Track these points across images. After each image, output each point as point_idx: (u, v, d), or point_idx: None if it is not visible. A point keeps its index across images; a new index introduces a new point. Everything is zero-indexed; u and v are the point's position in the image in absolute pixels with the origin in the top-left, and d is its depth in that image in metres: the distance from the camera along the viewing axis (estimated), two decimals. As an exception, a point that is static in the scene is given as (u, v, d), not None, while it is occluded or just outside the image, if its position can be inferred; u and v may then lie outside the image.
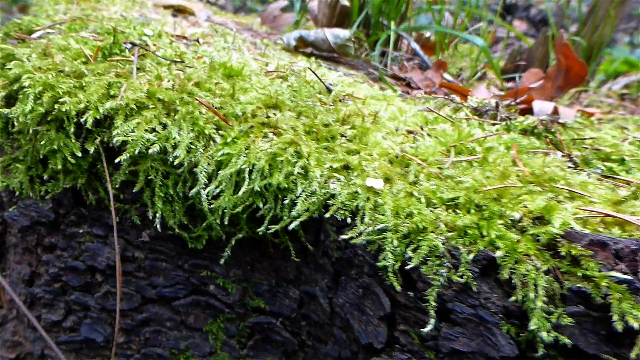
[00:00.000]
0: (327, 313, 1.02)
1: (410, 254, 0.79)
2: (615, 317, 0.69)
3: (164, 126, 1.00)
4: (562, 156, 1.03)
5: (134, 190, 1.01)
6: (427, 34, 2.38)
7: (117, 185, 1.05)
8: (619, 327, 0.68)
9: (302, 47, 1.90)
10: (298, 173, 0.91)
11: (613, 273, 0.69)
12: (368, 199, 0.85)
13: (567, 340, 0.72)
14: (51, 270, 1.18)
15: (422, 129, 1.03)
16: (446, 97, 1.34)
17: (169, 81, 1.05)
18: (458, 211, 0.80)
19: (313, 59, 1.73)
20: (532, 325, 0.73)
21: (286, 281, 1.11)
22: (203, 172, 0.97)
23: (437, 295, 0.80)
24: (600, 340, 0.72)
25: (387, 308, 0.86)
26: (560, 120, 1.17)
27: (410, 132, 1.03)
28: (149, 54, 1.17)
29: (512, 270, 0.74)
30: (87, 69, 1.06)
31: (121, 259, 1.15)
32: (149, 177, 1.01)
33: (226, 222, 0.99)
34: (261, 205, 0.95)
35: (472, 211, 0.80)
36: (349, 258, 0.90)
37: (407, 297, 0.84)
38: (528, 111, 1.50)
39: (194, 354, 1.22)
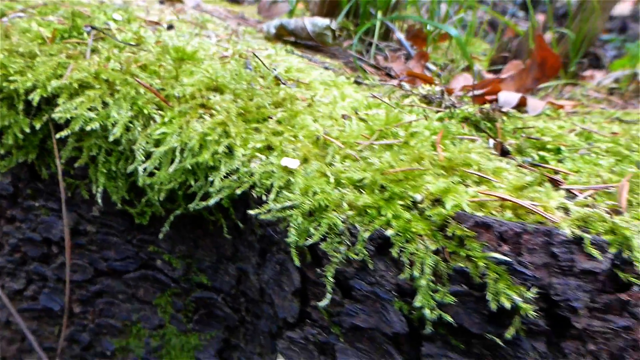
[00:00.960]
0: (257, 289, 1.06)
1: (312, 231, 0.82)
2: (489, 297, 0.70)
3: (105, 105, 1.04)
4: (494, 144, 1.04)
5: (75, 165, 1.06)
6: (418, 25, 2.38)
7: (64, 161, 1.10)
8: (493, 306, 0.70)
9: (285, 35, 1.93)
10: (222, 152, 0.95)
11: (493, 254, 0.71)
12: (281, 177, 0.88)
13: (449, 319, 0.74)
14: (11, 241, 1.25)
15: (356, 113, 1.05)
16: (399, 85, 1.35)
17: (115, 62, 1.09)
18: (363, 191, 0.83)
19: (289, 46, 1.76)
20: (417, 302, 0.75)
21: (225, 258, 1.15)
22: (141, 150, 1.02)
23: (340, 272, 0.83)
24: (483, 320, 0.74)
25: (296, 284, 0.89)
26: (504, 110, 1.17)
27: (344, 116, 1.05)
28: (107, 38, 1.22)
29: (402, 249, 0.76)
30: (41, 50, 1.11)
31: (74, 233, 1.21)
32: (92, 154, 1.06)
33: (161, 198, 1.03)
34: (193, 182, 0.99)
35: (376, 192, 0.82)
36: (270, 235, 0.94)
37: (316, 274, 0.87)
38: (494, 101, 1.49)
39: (144, 326, 1.28)
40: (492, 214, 0.76)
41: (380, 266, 0.79)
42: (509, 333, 0.72)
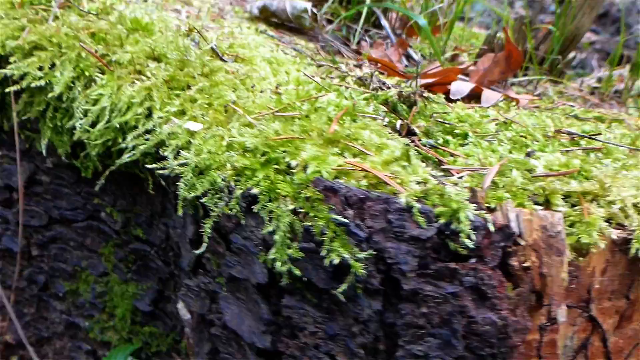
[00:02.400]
0: (176, 243, 1.17)
1: (198, 186, 0.91)
2: (324, 253, 0.78)
3: (53, 65, 1.17)
4: (401, 124, 1.10)
5: (23, 118, 1.19)
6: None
7: (19, 115, 1.23)
8: (326, 262, 0.78)
9: (269, 16, 2.01)
10: (143, 113, 1.05)
11: (334, 215, 0.79)
12: (184, 138, 0.97)
13: (298, 272, 0.83)
14: (-21, 185, 1.40)
15: (276, 88, 1.14)
16: (338, 66, 1.42)
17: (67, 28, 1.21)
18: (246, 155, 0.91)
19: (265, 26, 1.84)
20: (271, 255, 0.83)
21: (157, 214, 1.26)
22: (80, 108, 1.13)
23: (223, 226, 0.92)
24: (328, 276, 0.82)
25: (190, 234, 0.99)
26: (425, 95, 1.23)
27: (273, 90, 1.13)
28: (73, 6, 1.34)
29: (264, 206, 0.85)
30: (6, 14, 1.24)
31: (32, 182, 1.34)
32: (40, 109, 1.19)
33: (95, 153, 1.15)
34: (120, 140, 1.11)
35: (258, 156, 0.91)
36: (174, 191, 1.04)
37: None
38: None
39: (91, 272, 1.41)
40: (353, 182, 0.84)
41: (251, 222, 0.88)
42: (341, 288, 0.79)
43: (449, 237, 0.77)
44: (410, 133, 1.11)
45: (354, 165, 0.86)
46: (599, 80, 2.07)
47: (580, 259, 0.84)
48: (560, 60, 2.11)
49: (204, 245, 0.92)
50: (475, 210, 0.80)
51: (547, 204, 0.88)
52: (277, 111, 1.03)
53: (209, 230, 0.91)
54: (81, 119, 1.13)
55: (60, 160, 1.28)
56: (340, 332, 0.85)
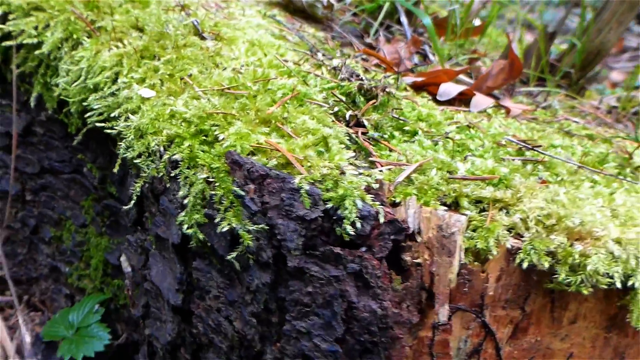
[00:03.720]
0: (134, 202, 1.26)
1: (135, 148, 0.99)
2: (217, 220, 0.84)
3: (47, 26, 1.28)
4: (350, 115, 1.13)
5: (18, 71, 1.32)
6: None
7: (18, 68, 1.36)
8: (218, 229, 0.84)
9: (289, 3, 2.08)
10: (109, 77, 1.14)
11: (234, 187, 0.84)
12: (136, 103, 1.06)
13: (201, 236, 0.89)
14: (-16, 130, 1.55)
15: (241, 67, 1.20)
16: (315, 55, 1.46)
17: (65, -6, 1.32)
18: (184, 124, 0.98)
19: (277, 11, 1.91)
20: (179, 218, 0.90)
21: (129, 174, 1.36)
22: (64, 67, 1.24)
23: (155, 188, 1.00)
24: (227, 244, 0.88)
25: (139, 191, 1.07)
26: (388, 90, 1.24)
27: (234, 69, 1.20)
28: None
29: (181, 172, 0.91)
30: (16, -24, 1.37)
31: (27, 132, 1.48)
32: (33, 65, 1.31)
33: (73, 110, 1.25)
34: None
35: (192, 126, 0.97)
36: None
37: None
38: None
39: (73, 222, 1.54)
40: (263, 160, 0.89)
41: (175, 186, 0.95)
42: (231, 256, 0.85)
43: (336, 222, 0.81)
44: (358, 125, 1.14)
45: (271, 145, 0.91)
46: (619, 99, 1.99)
47: (476, 263, 0.86)
48: (580, 74, 2.05)
49: (132, 202, 1.00)
50: (374, 201, 0.83)
51: (455, 206, 0.90)
52: (227, 88, 1.09)
53: (138, 189, 0.99)
54: (64, 77, 1.24)
55: (53, 114, 1.41)
56: (237, 299, 0.91)
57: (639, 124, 1.69)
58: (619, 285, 0.82)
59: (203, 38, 1.30)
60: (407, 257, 0.85)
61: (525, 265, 0.81)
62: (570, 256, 0.80)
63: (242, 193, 0.83)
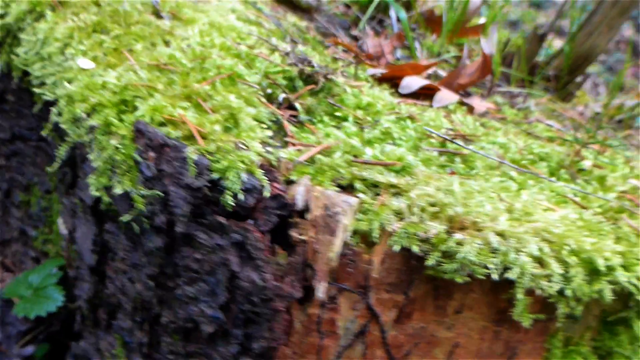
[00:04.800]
0: (81, 170, 1.33)
1: (64, 114, 1.06)
2: (113, 183, 0.89)
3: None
4: (284, 98, 1.17)
5: (-14, 40, 1.41)
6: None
7: (-11, 37, 1.45)
8: (113, 192, 0.89)
9: (277, -10, 2.12)
10: (59, 48, 1.22)
11: (133, 154, 0.90)
12: (74, 73, 1.12)
13: (107, 199, 0.95)
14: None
15: (187, 46, 1.25)
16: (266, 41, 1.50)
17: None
18: (108, 94, 1.04)
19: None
20: (89, 181, 0.96)
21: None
22: (25, 37, 1.33)
23: (81, 152, 1.06)
24: (128, 208, 0.93)
25: (64, 157, 1.14)
26: (329, 77, 1.27)
27: (178, 47, 1.25)
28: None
29: (97, 137, 0.97)
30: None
31: (1, 100, 1.57)
32: (2, 34, 1.40)
33: (33, 80, 1.33)
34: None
35: (116, 96, 1.03)
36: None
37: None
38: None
39: (40, 188, 1.62)
40: (167, 130, 0.94)
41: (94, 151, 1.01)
42: (125, 218, 0.90)
43: (221, 192, 0.85)
44: (291, 107, 1.18)
45: (180, 118, 0.96)
46: (605, 106, 1.96)
47: (363, 245, 0.88)
48: (568, 78, 2.03)
49: (55, 165, 1.06)
50: (265, 176, 0.87)
51: (351, 189, 0.93)
52: (164, 64, 1.14)
53: (63, 153, 1.05)
54: (24, 47, 1.32)
55: (22, 84, 1.49)
56: (138, 261, 0.97)
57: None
58: (495, 277, 0.84)
59: (160, 17, 1.36)
60: (293, 234, 0.88)
61: (397, 248, 0.84)
62: (443, 243, 0.82)
63: (139, 159, 0.89)
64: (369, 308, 0.91)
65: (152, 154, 0.90)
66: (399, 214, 0.88)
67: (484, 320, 0.92)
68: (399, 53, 2.08)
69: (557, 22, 3.07)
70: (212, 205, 0.87)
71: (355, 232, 0.89)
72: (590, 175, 1.25)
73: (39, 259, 1.73)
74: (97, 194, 0.96)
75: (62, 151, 1.06)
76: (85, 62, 1.13)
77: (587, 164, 1.30)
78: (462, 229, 0.85)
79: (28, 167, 1.62)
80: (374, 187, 0.93)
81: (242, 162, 0.86)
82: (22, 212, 1.70)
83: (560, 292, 0.88)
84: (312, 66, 1.34)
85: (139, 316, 1.01)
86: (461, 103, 1.60)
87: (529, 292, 0.88)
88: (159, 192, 0.88)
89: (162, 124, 0.95)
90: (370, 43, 2.03)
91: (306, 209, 0.88)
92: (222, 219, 0.86)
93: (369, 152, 0.98)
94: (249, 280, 0.87)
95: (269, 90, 1.17)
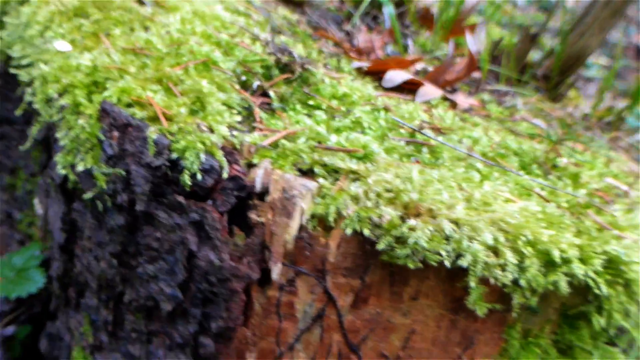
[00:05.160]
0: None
1: (37, 94, 1.08)
2: (77, 161, 0.91)
3: (2, -19, 1.39)
4: (258, 85, 1.19)
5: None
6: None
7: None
8: (77, 168, 0.91)
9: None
10: (39, 31, 1.24)
11: (98, 133, 0.92)
12: (51, 55, 1.15)
13: (72, 177, 0.97)
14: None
15: (165, 33, 1.27)
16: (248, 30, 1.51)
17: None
18: (80, 75, 1.06)
19: (253, -10, 1.97)
20: (56, 159, 0.98)
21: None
22: (8, 20, 1.35)
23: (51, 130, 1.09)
24: (92, 186, 0.95)
25: (39, 137, 1.16)
26: (306, 67, 1.29)
27: (157, 33, 1.27)
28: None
29: (65, 117, 0.99)
30: None
31: (-11, 81, 1.60)
32: (-12, 16, 1.43)
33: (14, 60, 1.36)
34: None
35: (87, 78, 1.05)
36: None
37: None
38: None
39: (25, 171, 1.65)
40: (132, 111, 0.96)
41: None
42: (87, 195, 0.92)
43: (180, 172, 0.87)
44: (264, 95, 1.20)
45: (147, 99, 0.98)
46: (594, 107, 1.96)
47: (319, 229, 0.90)
48: (559, 79, 2.03)
49: (27, 143, 1.09)
50: (226, 158, 0.89)
51: (311, 173, 0.94)
52: (140, 49, 1.16)
53: (35, 133, 1.08)
54: (7, 30, 1.35)
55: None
56: (103, 240, 0.99)
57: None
58: (447, 264, 0.85)
59: (142, 4, 1.38)
60: (252, 215, 0.90)
61: (349, 231, 0.85)
62: (395, 228, 0.83)
63: (103, 138, 0.91)
64: (326, 292, 0.92)
65: (116, 134, 0.92)
66: (356, 199, 0.89)
67: (441, 308, 0.94)
68: (390, 49, 2.09)
69: (555, 23, 3.07)
70: (173, 185, 0.89)
71: (314, 216, 0.90)
72: (564, 172, 1.26)
73: (24, 241, 1.76)
74: (63, 172, 0.98)
75: (34, 130, 1.09)
76: (62, 45, 1.15)
77: (563, 161, 1.31)
78: (417, 215, 0.86)
79: (14, 151, 1.65)
80: (335, 172, 0.94)
81: (203, 143, 0.88)
82: (8, 195, 1.73)
83: (515, 282, 0.89)
84: (292, 56, 1.35)
85: (104, 294, 1.03)
86: (444, 98, 1.61)
87: (484, 281, 0.89)
88: (121, 171, 0.90)
89: (129, 105, 0.97)
90: (362, 38, 2.04)
91: (266, 192, 0.90)
92: (181, 199, 0.88)
93: (333, 139, 1.00)
94: (207, 260, 0.89)
95: (243, 78, 1.19)
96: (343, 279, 0.92)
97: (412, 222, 0.84)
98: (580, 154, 1.46)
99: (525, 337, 1.01)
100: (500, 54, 2.16)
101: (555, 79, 2.02)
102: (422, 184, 0.91)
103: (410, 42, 2.19)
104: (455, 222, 0.86)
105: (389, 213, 0.84)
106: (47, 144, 1.16)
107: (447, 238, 0.85)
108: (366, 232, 0.84)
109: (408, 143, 1.08)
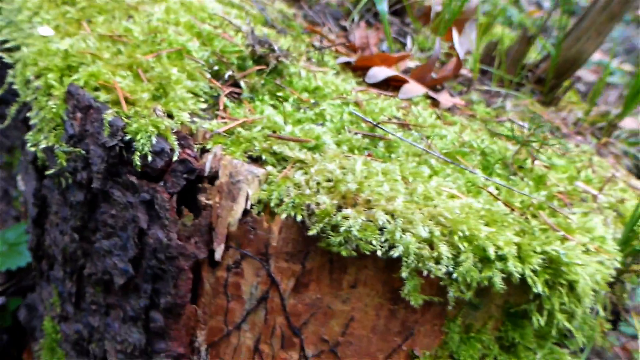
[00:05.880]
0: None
1: (17, 76, 1.16)
2: (39, 139, 0.98)
3: (1, -32, 1.48)
4: (230, 75, 1.24)
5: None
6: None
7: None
8: (40, 145, 0.98)
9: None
10: (28, 17, 1.32)
11: (63, 114, 0.98)
12: (34, 39, 1.22)
13: (41, 154, 1.04)
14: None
15: (147, 22, 1.33)
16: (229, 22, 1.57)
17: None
18: (57, 59, 1.13)
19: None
20: (26, 137, 1.05)
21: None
22: (3, 5, 1.44)
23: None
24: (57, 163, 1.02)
25: (21, 117, 1.24)
26: (280, 59, 1.33)
27: (137, 21, 1.34)
28: None
29: (38, 98, 1.07)
30: None
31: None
32: (-13, 1, 1.51)
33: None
34: (21, 36, 1.39)
35: (63, 62, 1.12)
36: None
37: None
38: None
39: (20, 151, 1.74)
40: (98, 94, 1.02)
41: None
42: (49, 171, 0.99)
43: (133, 153, 0.93)
44: (236, 85, 1.25)
45: (113, 83, 1.04)
46: (585, 113, 1.96)
47: (263, 214, 0.95)
48: (555, 82, 2.03)
49: (6, 122, 1.16)
50: (179, 142, 0.95)
51: (261, 161, 0.99)
52: (118, 35, 1.23)
53: (13, 112, 1.15)
54: (2, 15, 1.43)
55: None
56: (67, 215, 1.06)
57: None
58: (380, 254, 0.89)
59: (130, -7, 1.45)
60: (202, 198, 0.95)
61: (283, 216, 0.90)
62: (328, 215, 0.88)
63: (66, 118, 0.97)
64: (269, 275, 0.98)
65: (79, 115, 0.99)
66: (298, 187, 0.94)
67: (379, 298, 0.98)
68: (385, 46, 2.12)
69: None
70: (128, 165, 0.95)
71: (260, 202, 0.95)
72: (530, 174, 1.28)
73: (19, 218, 1.86)
74: (32, 149, 1.05)
75: (12, 110, 1.16)
76: (45, 30, 1.23)
77: (536, 163, 1.33)
78: (354, 205, 0.91)
79: (11, 130, 1.74)
80: (284, 161, 0.99)
81: (156, 126, 0.94)
82: (6, 173, 1.83)
83: (450, 275, 0.92)
84: (271, 49, 1.40)
85: (68, 267, 1.10)
86: (427, 96, 1.64)
87: (420, 274, 0.92)
88: (81, 150, 0.97)
89: (96, 89, 1.04)
90: (358, 34, 2.08)
91: (215, 176, 0.95)
92: (133, 178, 0.94)
93: (288, 129, 1.05)
94: (156, 238, 0.95)
95: (216, 67, 1.25)
96: (285, 263, 0.96)
97: (347, 211, 0.89)
98: (557, 157, 1.48)
99: (467, 331, 1.05)
100: (498, 55, 2.17)
101: (551, 82, 2.03)
102: (365, 175, 0.95)
103: (409, 40, 2.21)
104: (391, 214, 0.90)
105: (324, 201, 0.88)
106: (27, 123, 1.24)
107: (381, 229, 0.89)
108: (299, 217, 0.89)
109: (365, 136, 1.12)
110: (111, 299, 1.05)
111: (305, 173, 0.94)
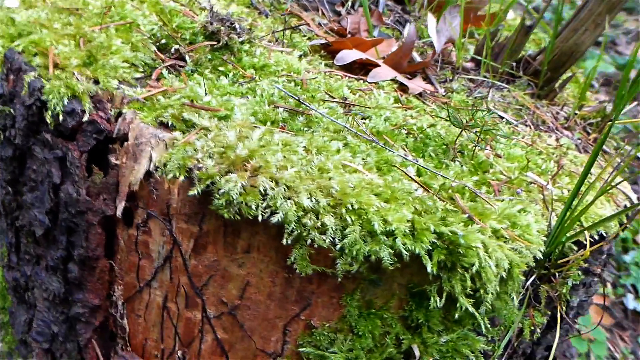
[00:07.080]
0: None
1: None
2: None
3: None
4: (175, 49, 1.31)
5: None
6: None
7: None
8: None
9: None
10: (7, -11, 1.44)
11: (1, 82, 1.08)
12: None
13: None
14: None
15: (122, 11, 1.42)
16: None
17: None
18: (11, 27, 1.24)
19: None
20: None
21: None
22: (-4, -20, 1.57)
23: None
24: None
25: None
26: (231, 36, 1.38)
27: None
28: None
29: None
30: None
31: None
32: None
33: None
34: (4, 9, 1.52)
35: (15, 30, 1.23)
36: None
37: None
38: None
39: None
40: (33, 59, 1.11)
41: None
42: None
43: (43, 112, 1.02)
44: (181, 58, 1.32)
45: (50, 50, 1.13)
46: (575, 107, 1.89)
47: (164, 175, 1.01)
48: (551, 75, 1.98)
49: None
50: (94, 105, 1.02)
51: (171, 126, 1.05)
52: (75, 9, 1.32)
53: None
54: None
55: None
56: (4, 169, 1.16)
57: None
58: (259, 219, 0.93)
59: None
60: (112, 158, 1.03)
61: (169, 176, 0.96)
62: (208, 178, 0.92)
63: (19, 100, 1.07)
64: (172, 235, 1.04)
65: (11, 77, 1.08)
66: (195, 151, 0.99)
67: (273, 264, 1.01)
68: (377, 32, 2.13)
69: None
70: (47, 124, 1.04)
71: (165, 165, 1.01)
72: (473, 160, 1.28)
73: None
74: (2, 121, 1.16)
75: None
76: (11, 2, 1.34)
77: (487, 151, 1.32)
78: (243, 171, 0.95)
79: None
80: (194, 128, 1.05)
81: (72, 89, 1.02)
82: None
83: (334, 246, 0.95)
84: (233, 27, 1.46)
85: (9, 219, 1.21)
86: (394, 81, 1.65)
87: (310, 244, 0.95)
88: (10, 109, 1.06)
89: (35, 55, 1.13)
90: (350, 20, 2.11)
91: (127, 139, 1.02)
92: (48, 136, 1.02)
93: (206, 99, 1.10)
94: (67, 193, 1.03)
95: (163, 41, 1.32)
96: (185, 224, 1.02)
97: (231, 175, 0.93)
98: (520, 148, 1.46)
99: (367, 307, 1.07)
100: (497, 46, 2.13)
101: (547, 75, 1.97)
102: (262, 144, 0.99)
103: (406, 28, 2.21)
104: (276, 181, 0.94)
105: (207, 164, 0.93)
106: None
107: (265, 195, 0.93)
108: (181, 177, 0.94)
109: (287, 111, 1.16)
110: (39, 249, 1.15)
111: (203, 139, 0.99)
